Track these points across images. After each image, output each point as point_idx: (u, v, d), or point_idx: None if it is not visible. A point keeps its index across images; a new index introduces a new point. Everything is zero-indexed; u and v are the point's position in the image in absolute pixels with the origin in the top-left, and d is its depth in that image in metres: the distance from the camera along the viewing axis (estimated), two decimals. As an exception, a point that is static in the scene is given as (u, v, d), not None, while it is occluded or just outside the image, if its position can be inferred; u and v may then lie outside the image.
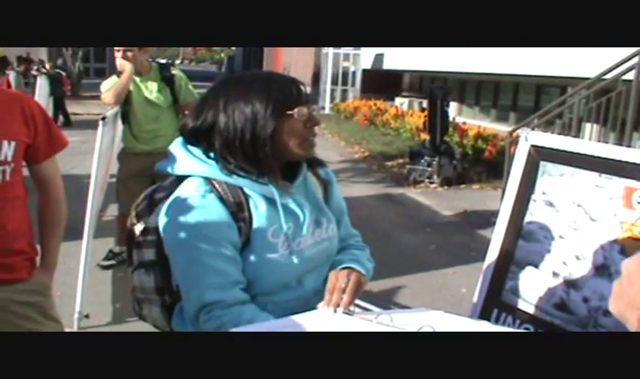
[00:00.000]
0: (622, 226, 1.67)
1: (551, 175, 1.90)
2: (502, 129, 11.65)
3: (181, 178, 1.52)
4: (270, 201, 1.48)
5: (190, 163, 1.50)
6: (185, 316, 1.55)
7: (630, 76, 5.80)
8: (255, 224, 1.47)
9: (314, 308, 1.45)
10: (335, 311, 1.40)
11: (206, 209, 1.44)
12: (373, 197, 8.12)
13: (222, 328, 1.39)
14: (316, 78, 21.92)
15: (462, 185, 8.93)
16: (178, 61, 61.26)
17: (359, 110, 16.91)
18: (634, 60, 5.68)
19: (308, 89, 1.59)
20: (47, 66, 15.84)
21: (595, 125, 6.81)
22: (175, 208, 1.47)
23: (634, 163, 1.66)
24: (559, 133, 5.83)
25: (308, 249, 1.54)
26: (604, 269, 1.69)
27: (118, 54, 4.46)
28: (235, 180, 1.46)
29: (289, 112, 1.46)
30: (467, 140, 10.85)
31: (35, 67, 16.00)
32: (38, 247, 2.22)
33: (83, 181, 6.12)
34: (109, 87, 4.45)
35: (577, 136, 6.29)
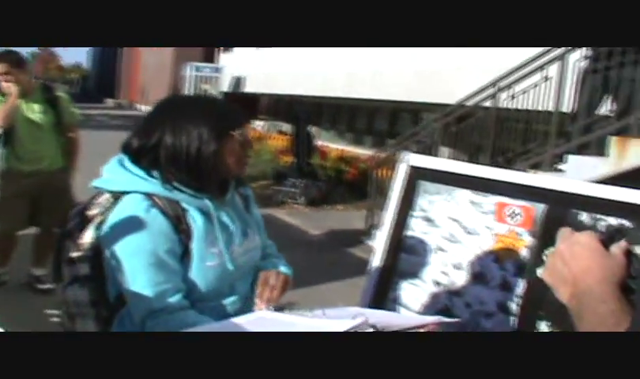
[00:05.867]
0: (494, 237, 1.87)
1: (429, 193, 2.06)
2: (359, 152, 12.13)
3: (117, 195, 1.58)
4: (206, 214, 1.61)
5: (131, 181, 1.58)
6: (125, 324, 1.61)
7: (487, 103, 6.39)
8: (194, 235, 1.58)
9: (248, 312, 1.55)
10: (268, 308, 1.55)
11: (151, 223, 1.53)
12: (240, 219, 8.09)
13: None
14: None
15: (327, 206, 9.20)
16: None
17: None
18: (489, 90, 6.26)
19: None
20: None
21: (448, 149, 7.36)
22: (119, 222, 1.54)
23: (505, 182, 1.86)
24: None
25: (240, 257, 1.68)
26: (481, 277, 1.86)
27: (0, 77, 4.35)
28: (174, 195, 1.57)
29: (231, 133, 1.60)
30: (329, 162, 11.18)
31: None
32: None
33: None
34: None
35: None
